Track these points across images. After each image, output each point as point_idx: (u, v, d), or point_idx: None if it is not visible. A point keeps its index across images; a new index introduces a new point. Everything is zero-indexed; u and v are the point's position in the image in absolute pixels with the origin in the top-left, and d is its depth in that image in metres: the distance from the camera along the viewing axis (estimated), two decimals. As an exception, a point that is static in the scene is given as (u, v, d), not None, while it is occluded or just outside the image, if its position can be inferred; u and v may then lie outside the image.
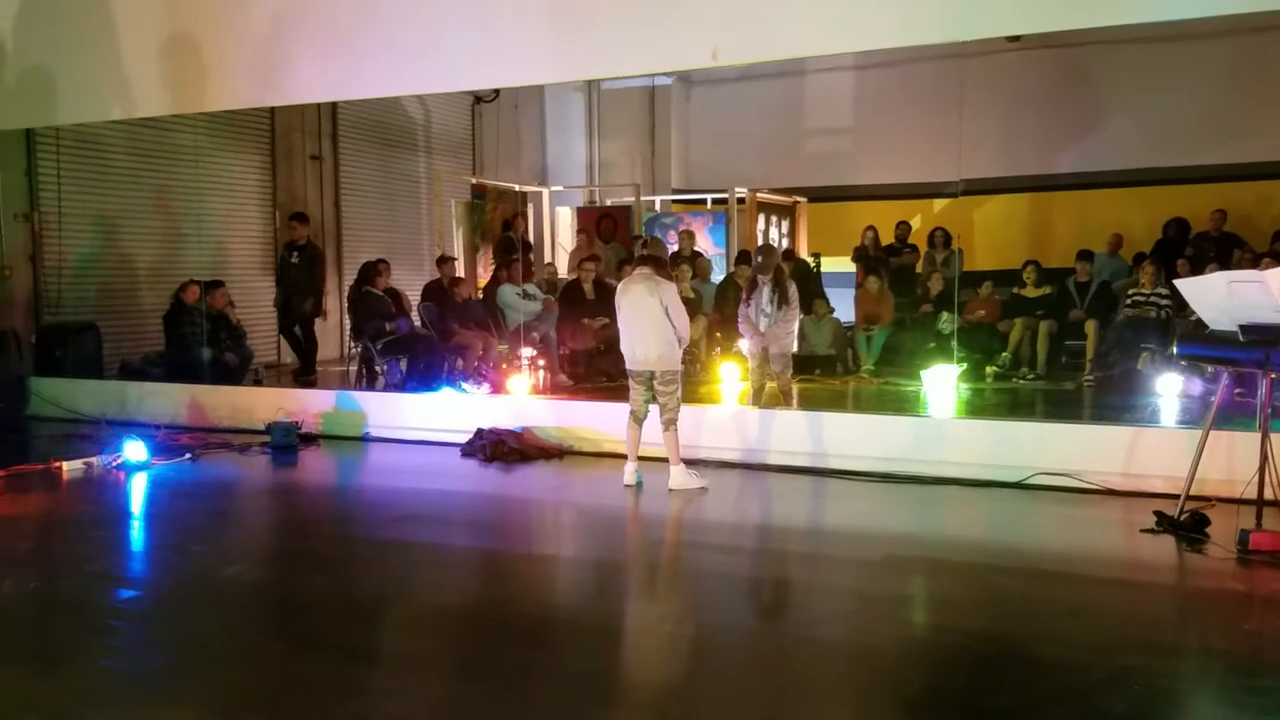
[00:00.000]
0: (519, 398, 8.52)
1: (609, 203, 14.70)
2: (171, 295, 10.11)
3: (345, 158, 13.25)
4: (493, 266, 12.02)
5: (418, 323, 10.37)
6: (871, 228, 12.44)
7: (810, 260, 12.52)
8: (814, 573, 5.26)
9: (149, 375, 9.90)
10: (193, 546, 5.62)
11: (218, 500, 6.85)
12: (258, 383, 10.29)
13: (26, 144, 10.19)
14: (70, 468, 7.22)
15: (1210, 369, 7.14)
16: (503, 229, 12.67)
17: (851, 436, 7.12)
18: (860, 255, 12.33)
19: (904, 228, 12.66)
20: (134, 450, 7.38)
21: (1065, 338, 10.40)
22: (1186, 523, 5.36)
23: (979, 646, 4.04)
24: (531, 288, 11.04)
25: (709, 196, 13.91)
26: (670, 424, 6.56)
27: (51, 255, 10.42)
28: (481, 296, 11.11)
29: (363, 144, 13.46)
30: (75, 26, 9.17)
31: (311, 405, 8.83)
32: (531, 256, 12.03)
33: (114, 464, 7.32)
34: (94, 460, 7.36)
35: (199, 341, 9.82)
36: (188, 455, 7.76)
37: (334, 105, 12.55)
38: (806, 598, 4.93)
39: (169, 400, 9.32)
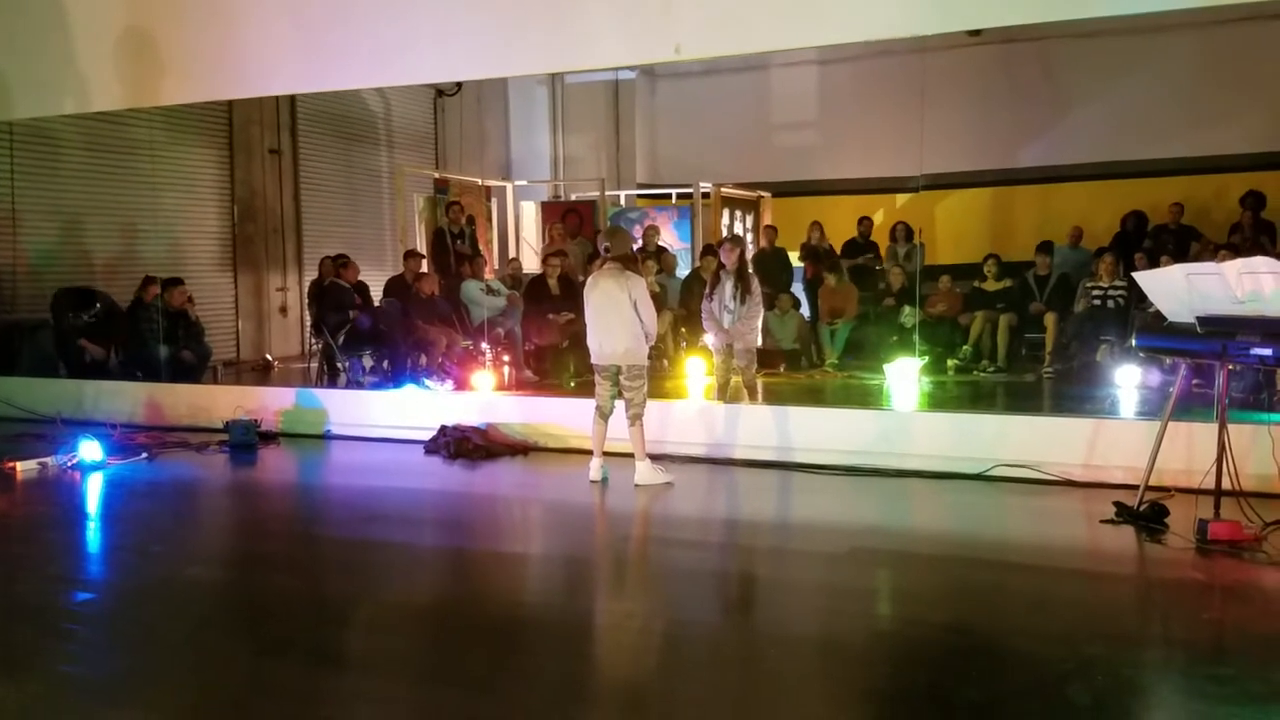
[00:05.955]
0: (483, 394, 8.47)
1: (574, 197, 14.63)
2: (134, 293, 9.94)
3: (305, 152, 13.07)
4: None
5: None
6: (817, 223, 12.46)
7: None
8: (781, 567, 5.26)
9: (106, 373, 9.73)
10: (151, 547, 5.54)
11: (175, 500, 6.75)
12: (215, 380, 10.14)
13: (-22, 139, 10.00)
14: (25, 468, 7.08)
15: (1169, 360, 7.22)
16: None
17: (816, 430, 7.14)
18: (809, 252, 12.35)
19: (866, 224, 12.71)
20: (89, 450, 7.25)
21: (1026, 330, 10.50)
22: (1146, 513, 5.43)
23: (946, 638, 4.07)
24: (495, 283, 10.96)
25: (673, 191, 13.89)
26: (636, 419, 6.54)
27: (5, 253, 10.20)
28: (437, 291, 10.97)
29: (323, 138, 13.30)
30: (29, 21, 8.99)
31: (271, 403, 8.72)
32: (461, 248, 11.55)
33: (69, 464, 7.19)
34: (49, 460, 7.23)
35: (156, 339, 9.66)
36: (144, 455, 7.64)
37: (293, 98, 12.38)
38: (774, 592, 4.93)
39: (126, 399, 9.17)
